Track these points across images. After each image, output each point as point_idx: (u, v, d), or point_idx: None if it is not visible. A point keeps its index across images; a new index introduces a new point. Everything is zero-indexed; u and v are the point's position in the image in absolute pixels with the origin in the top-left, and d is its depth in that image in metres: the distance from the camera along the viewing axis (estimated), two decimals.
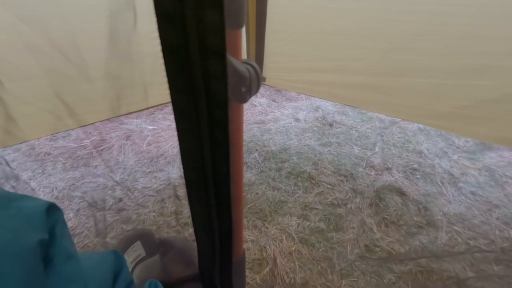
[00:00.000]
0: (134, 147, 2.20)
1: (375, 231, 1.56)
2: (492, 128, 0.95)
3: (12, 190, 1.67)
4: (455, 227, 1.58)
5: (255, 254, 1.44)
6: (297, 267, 1.38)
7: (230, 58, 0.45)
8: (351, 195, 1.79)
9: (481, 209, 1.69)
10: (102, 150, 2.15)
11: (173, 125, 0.28)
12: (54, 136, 2.23)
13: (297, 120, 2.62)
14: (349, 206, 1.71)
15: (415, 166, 2.02)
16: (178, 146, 0.27)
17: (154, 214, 1.65)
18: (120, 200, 1.74)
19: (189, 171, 0.29)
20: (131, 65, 0.86)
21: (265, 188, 1.84)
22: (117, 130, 2.35)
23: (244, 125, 2.50)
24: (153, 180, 1.90)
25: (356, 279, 1.33)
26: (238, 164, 0.57)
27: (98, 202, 1.70)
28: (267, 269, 1.36)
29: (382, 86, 1.22)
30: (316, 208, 1.70)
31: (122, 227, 1.57)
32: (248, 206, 1.71)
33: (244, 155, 2.12)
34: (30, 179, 1.87)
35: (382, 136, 2.36)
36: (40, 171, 1.95)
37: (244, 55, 1.59)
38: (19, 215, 0.24)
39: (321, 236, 1.54)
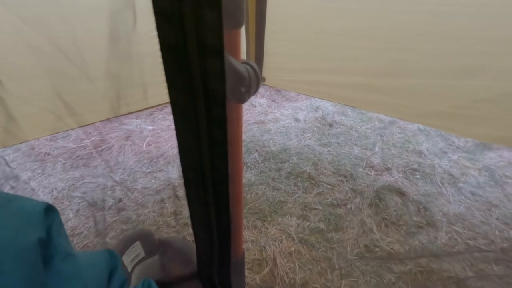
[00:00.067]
0: (134, 147, 2.20)
1: (375, 231, 1.56)
2: (490, 127, 0.95)
3: (11, 191, 1.68)
4: (455, 227, 1.58)
5: (255, 254, 1.44)
6: (297, 267, 1.38)
7: (230, 58, 0.45)
8: (351, 195, 1.79)
9: (481, 209, 1.69)
10: (102, 150, 2.16)
11: (173, 125, 0.28)
12: (54, 136, 2.23)
13: (297, 120, 2.62)
14: (349, 206, 1.71)
15: (415, 166, 2.02)
16: (177, 145, 0.27)
17: (153, 214, 1.65)
18: (120, 200, 1.74)
19: (188, 170, 0.29)
20: (131, 65, 0.86)
21: (265, 189, 1.84)
22: (117, 130, 2.36)
23: (244, 125, 2.50)
24: (153, 181, 1.90)
25: (356, 280, 1.33)
26: (237, 163, 0.57)
27: (98, 203, 1.70)
28: (267, 269, 1.36)
29: (381, 87, 1.22)
30: (316, 209, 1.70)
31: (121, 227, 1.57)
32: (248, 206, 1.71)
33: (244, 156, 2.13)
34: (30, 180, 1.87)
35: (382, 136, 2.36)
36: (40, 171, 1.95)
37: (244, 55, 1.60)
38: (19, 214, 0.25)
39: (321, 236, 1.54)
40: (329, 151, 2.20)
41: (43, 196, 1.75)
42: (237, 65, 0.44)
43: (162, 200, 1.75)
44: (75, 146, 2.18)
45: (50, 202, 1.68)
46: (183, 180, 0.30)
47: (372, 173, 1.97)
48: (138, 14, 0.76)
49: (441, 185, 1.86)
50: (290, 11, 1.33)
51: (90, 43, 0.93)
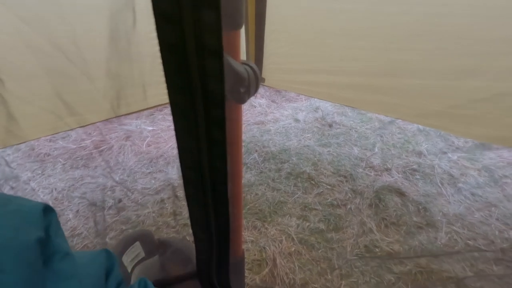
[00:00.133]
0: (133, 147, 2.20)
1: (375, 231, 1.56)
2: (488, 127, 0.95)
3: (11, 191, 1.68)
4: (455, 228, 1.58)
5: (255, 254, 1.44)
6: (297, 267, 1.38)
7: (229, 59, 0.45)
8: (350, 195, 1.79)
9: (481, 209, 1.69)
10: (102, 151, 2.16)
11: (173, 125, 0.28)
12: (53, 136, 2.24)
13: (296, 120, 2.62)
14: (348, 206, 1.72)
15: (414, 166, 2.02)
16: (176, 146, 0.27)
17: (153, 215, 1.66)
18: (120, 200, 1.74)
19: (187, 170, 0.29)
20: (131, 65, 0.86)
21: (265, 189, 1.84)
22: (116, 131, 2.36)
23: (244, 125, 2.50)
24: (153, 181, 1.90)
25: (355, 280, 1.33)
26: (237, 164, 0.57)
27: (98, 203, 1.70)
28: (266, 269, 1.36)
29: (381, 87, 1.22)
30: (315, 209, 1.70)
31: (121, 227, 1.57)
32: (248, 206, 1.71)
33: (244, 156, 2.13)
34: (30, 180, 1.88)
35: (381, 136, 2.36)
36: (40, 171, 1.95)
37: (243, 56, 1.60)
38: (18, 214, 0.25)
39: (321, 236, 1.54)
40: (329, 151, 2.20)
41: (43, 196, 1.75)
42: (236, 66, 0.44)
43: (162, 200, 1.75)
44: (75, 146, 2.18)
45: (50, 202, 1.69)
46: (182, 180, 0.30)
47: (372, 174, 1.97)
48: (138, 14, 0.76)
49: (440, 185, 1.86)
50: (290, 11, 1.33)
51: (90, 43, 0.93)
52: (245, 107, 2.78)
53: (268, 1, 1.31)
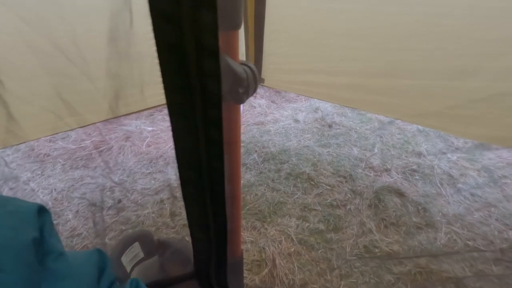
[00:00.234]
0: (133, 148, 2.20)
1: (374, 232, 1.56)
2: (486, 128, 0.95)
3: (11, 191, 1.68)
4: (454, 228, 1.58)
5: (254, 255, 1.44)
6: (296, 268, 1.38)
7: (228, 59, 0.45)
8: (350, 196, 1.79)
9: (480, 210, 1.69)
10: (101, 151, 2.16)
11: None
12: (53, 137, 2.24)
13: (296, 121, 2.62)
14: (348, 207, 1.72)
15: (414, 167, 2.02)
16: (173, 145, 0.27)
17: (153, 215, 1.65)
18: (119, 201, 1.74)
19: (184, 169, 0.30)
20: (131, 66, 0.86)
21: (264, 189, 1.84)
22: (116, 131, 2.36)
23: (244, 126, 2.50)
24: (152, 181, 1.90)
25: (355, 280, 1.33)
26: (235, 164, 0.58)
27: (97, 203, 1.70)
28: (266, 270, 1.36)
29: (380, 87, 1.23)
30: (315, 209, 1.70)
31: (121, 228, 1.57)
32: (247, 207, 1.71)
33: (244, 156, 2.13)
34: (30, 180, 1.88)
35: (381, 137, 2.37)
36: (40, 172, 1.95)
37: (242, 57, 1.60)
38: (16, 214, 0.25)
39: (320, 237, 1.54)
40: (328, 152, 2.20)
41: (43, 197, 1.75)
42: (235, 66, 0.45)
43: (162, 201, 1.75)
44: (74, 147, 2.18)
45: (50, 203, 1.69)
46: (179, 180, 0.30)
47: (372, 174, 1.97)
48: (137, 14, 0.76)
49: (440, 186, 1.87)
50: (289, 12, 1.33)
51: (90, 43, 0.93)
52: (245, 107, 2.78)
53: (267, 2, 1.32)
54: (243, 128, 2.47)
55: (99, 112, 1.06)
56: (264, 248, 1.46)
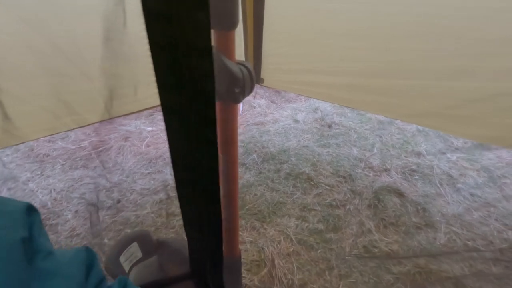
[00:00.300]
0: (132, 148, 2.20)
1: (374, 232, 1.56)
2: (483, 127, 0.95)
3: (10, 192, 1.68)
4: (454, 228, 1.57)
5: (253, 255, 1.44)
6: (295, 268, 1.38)
7: (224, 59, 0.45)
8: (349, 196, 1.79)
9: (480, 210, 1.69)
10: (101, 151, 2.16)
11: None
12: (53, 137, 2.24)
13: (296, 121, 2.62)
14: (347, 207, 1.71)
15: (413, 167, 2.02)
16: (168, 145, 0.27)
17: (152, 215, 1.66)
18: (119, 201, 1.74)
19: (179, 169, 0.30)
20: (130, 65, 0.86)
21: (264, 189, 1.84)
22: (115, 131, 2.36)
23: (243, 126, 2.50)
24: (152, 182, 1.90)
25: (354, 280, 1.33)
26: (232, 163, 0.57)
27: (97, 204, 1.70)
28: (265, 270, 1.36)
29: (379, 87, 1.23)
30: (314, 209, 1.70)
31: (120, 228, 1.57)
32: (247, 207, 1.71)
33: (243, 156, 2.13)
34: (29, 181, 1.88)
35: (381, 137, 2.36)
36: (39, 172, 1.95)
37: (242, 57, 1.60)
38: (4, 213, 0.25)
39: (320, 237, 1.54)
40: (328, 152, 2.20)
41: (42, 197, 1.75)
42: (231, 66, 0.45)
43: (161, 201, 1.75)
44: (74, 147, 2.18)
45: (49, 203, 1.69)
46: (174, 180, 0.30)
47: (371, 174, 1.97)
48: (130, 13, 0.76)
49: (439, 186, 1.86)
50: (289, 12, 1.33)
51: (88, 43, 0.93)
52: (244, 107, 2.78)
53: (266, 2, 1.32)
54: (242, 128, 2.47)
55: (97, 112, 1.06)
56: (263, 248, 1.46)
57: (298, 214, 1.67)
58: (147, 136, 2.34)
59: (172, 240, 0.89)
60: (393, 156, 2.14)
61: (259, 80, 1.70)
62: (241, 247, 1.48)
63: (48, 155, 2.11)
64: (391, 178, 1.93)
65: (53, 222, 1.60)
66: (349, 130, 2.47)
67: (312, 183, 1.89)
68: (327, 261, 1.41)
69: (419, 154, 2.16)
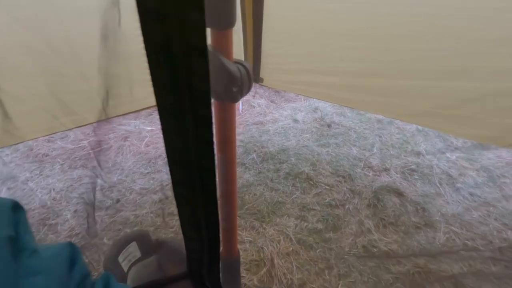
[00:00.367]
0: (132, 148, 2.20)
1: (373, 232, 1.56)
2: (482, 127, 0.95)
3: (10, 191, 1.67)
4: (453, 228, 1.57)
5: (253, 255, 1.43)
6: (295, 268, 1.38)
7: (221, 58, 0.45)
8: (349, 196, 1.79)
9: (479, 209, 1.69)
10: (100, 151, 2.16)
11: None
12: (52, 137, 2.23)
13: (295, 121, 2.62)
14: (347, 207, 1.71)
15: (413, 167, 2.02)
16: (164, 145, 0.27)
17: (151, 215, 1.65)
18: (118, 201, 1.74)
19: (175, 169, 0.29)
20: (125, 65, 0.86)
21: (263, 189, 1.84)
22: (115, 131, 2.36)
23: (243, 126, 2.50)
24: (151, 181, 1.90)
25: (353, 280, 1.33)
26: (231, 163, 0.57)
27: (96, 203, 1.70)
28: (264, 270, 1.36)
29: (379, 87, 1.23)
30: (314, 209, 1.70)
31: (119, 228, 1.57)
32: (246, 207, 1.71)
33: (242, 156, 2.13)
34: (28, 180, 1.88)
35: (380, 137, 2.36)
36: (38, 172, 1.95)
37: (241, 56, 1.60)
38: None
39: (319, 237, 1.54)
40: (327, 151, 2.20)
41: (41, 196, 1.75)
42: (229, 65, 0.44)
43: (160, 200, 1.75)
44: (73, 147, 2.18)
45: (48, 203, 1.69)
46: (171, 180, 0.30)
47: (371, 174, 1.97)
48: (125, 12, 0.76)
49: (439, 185, 1.86)
50: (289, 12, 1.33)
51: (85, 42, 0.93)
52: (244, 107, 2.78)
53: (266, 1, 1.31)
54: (242, 128, 2.47)
55: (96, 112, 1.06)
56: (262, 248, 1.46)
57: (298, 213, 1.67)
58: (146, 135, 2.34)
59: (171, 240, 0.89)
60: (393, 156, 2.14)
61: (259, 80, 1.70)
62: (240, 246, 1.48)
63: (47, 155, 2.10)
64: (391, 177, 1.93)
65: (52, 222, 1.60)
66: (349, 129, 2.47)
67: (312, 183, 1.89)
68: (326, 260, 1.41)
69: (418, 154, 2.16)
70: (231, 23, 0.41)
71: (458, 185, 1.86)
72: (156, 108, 0.27)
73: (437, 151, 2.18)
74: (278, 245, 1.48)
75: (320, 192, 1.82)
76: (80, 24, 0.86)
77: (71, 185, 1.85)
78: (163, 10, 0.22)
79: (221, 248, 0.72)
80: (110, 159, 2.08)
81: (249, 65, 0.47)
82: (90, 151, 2.13)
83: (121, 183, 1.87)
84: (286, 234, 1.54)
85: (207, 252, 0.35)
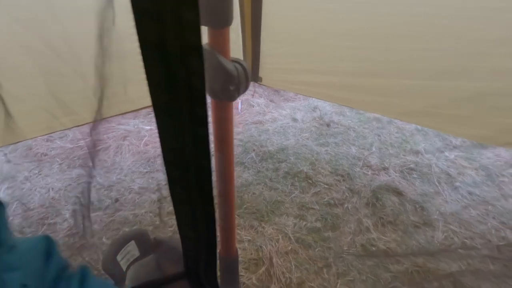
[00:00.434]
0: (131, 147, 2.20)
1: (372, 230, 1.56)
2: (476, 126, 0.96)
3: (8, 191, 1.67)
4: (452, 227, 1.58)
5: (252, 254, 1.44)
6: (293, 267, 1.38)
7: (219, 56, 0.45)
8: (348, 195, 1.79)
9: (478, 208, 1.69)
10: (99, 150, 2.15)
11: None
12: (51, 136, 2.23)
13: (294, 120, 2.62)
14: (346, 206, 1.72)
15: (412, 166, 2.02)
16: (159, 144, 0.27)
17: (151, 214, 1.65)
18: (117, 200, 1.74)
19: (171, 168, 0.29)
20: (120, 64, 0.86)
21: (262, 188, 1.84)
22: (114, 130, 2.35)
23: (242, 125, 2.50)
24: (150, 181, 1.90)
25: (352, 279, 1.33)
26: (228, 162, 0.57)
27: (95, 203, 1.70)
28: (263, 268, 1.36)
29: (378, 87, 1.23)
30: (313, 208, 1.70)
31: (118, 227, 1.57)
32: (245, 206, 1.71)
33: (241, 155, 2.12)
34: (27, 180, 1.87)
35: (379, 136, 2.36)
36: (37, 171, 1.95)
37: (241, 56, 1.59)
38: None
39: (318, 236, 1.54)
40: (326, 151, 2.20)
41: (40, 196, 1.75)
42: (225, 63, 0.44)
43: (159, 200, 1.75)
44: (72, 146, 2.18)
45: (47, 202, 1.68)
46: (166, 179, 0.30)
47: (369, 173, 1.97)
48: (119, 11, 0.76)
49: (438, 184, 1.87)
50: (289, 12, 1.32)
51: (85, 43, 0.93)
52: (243, 106, 2.78)
53: (265, 1, 1.31)
54: (241, 127, 2.46)
55: (94, 112, 1.06)
56: (261, 247, 1.46)
57: (296, 212, 1.68)
58: (145, 135, 2.34)
59: (169, 239, 0.89)
60: (392, 155, 2.14)
61: (257, 79, 1.70)
62: (239, 245, 1.48)
63: (46, 154, 2.10)
64: (390, 176, 1.93)
65: (51, 221, 1.60)
66: (348, 129, 2.47)
67: (311, 182, 1.89)
68: (325, 259, 1.41)
69: (417, 153, 2.16)
70: (227, 21, 0.41)
71: (457, 184, 1.87)
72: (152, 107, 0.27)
73: (436, 150, 2.18)
74: (277, 244, 1.48)
75: (319, 191, 1.83)
76: (80, 24, 0.86)
77: (70, 185, 1.85)
78: (157, 9, 0.22)
79: (219, 248, 0.72)
80: (109, 159, 2.08)
81: (247, 64, 0.47)
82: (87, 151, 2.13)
83: (120, 183, 1.87)
84: (285, 233, 1.55)
85: (204, 252, 0.35)
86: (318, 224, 1.60)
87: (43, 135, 2.01)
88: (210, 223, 0.33)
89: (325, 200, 1.76)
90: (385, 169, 2.00)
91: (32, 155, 2.08)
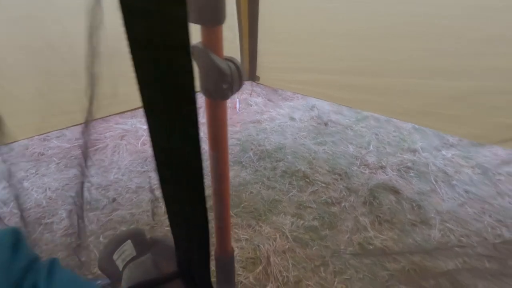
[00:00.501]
0: (128, 146, 2.19)
1: (369, 229, 1.57)
2: (478, 126, 0.96)
3: (4, 191, 1.66)
4: (448, 225, 1.58)
5: (249, 252, 1.44)
6: (291, 265, 1.38)
7: (211, 55, 0.45)
8: (345, 193, 1.80)
9: (474, 207, 1.70)
10: (96, 150, 2.15)
11: None
12: (48, 136, 2.22)
13: (292, 119, 2.62)
14: (343, 204, 1.72)
15: (409, 164, 2.03)
16: (150, 143, 0.27)
17: (148, 213, 1.65)
18: (114, 200, 1.73)
19: (162, 167, 0.29)
20: (110, 63, 0.86)
21: (260, 187, 1.84)
22: (111, 130, 2.35)
23: (240, 124, 2.50)
24: (148, 180, 1.89)
25: (349, 277, 1.34)
26: (223, 161, 0.57)
27: (92, 202, 1.70)
28: (260, 267, 1.36)
29: (377, 86, 1.23)
30: (310, 207, 1.71)
31: (115, 226, 1.57)
32: (242, 205, 1.71)
33: (239, 154, 2.12)
34: (24, 179, 1.87)
35: (377, 135, 2.37)
36: (34, 171, 1.94)
37: (238, 55, 1.59)
38: None
39: (315, 234, 1.54)
40: (324, 149, 2.20)
41: (37, 196, 1.74)
42: (218, 62, 0.44)
43: (157, 199, 1.74)
44: (69, 145, 2.17)
45: (44, 202, 1.68)
46: (158, 178, 0.30)
47: (367, 172, 1.97)
48: (108, 9, 0.76)
49: (435, 183, 1.87)
50: (288, 11, 1.32)
51: (80, 42, 0.93)
52: (241, 105, 2.78)
53: (264, 1, 1.31)
54: (239, 126, 2.46)
55: (84, 111, 1.06)
56: (258, 246, 1.46)
57: (294, 211, 1.68)
58: (143, 134, 2.34)
59: (165, 238, 0.89)
60: (389, 154, 2.15)
61: (255, 78, 1.70)
62: (236, 244, 1.48)
63: (43, 154, 2.09)
64: (387, 175, 1.94)
65: (48, 220, 1.59)
66: (346, 128, 2.48)
67: (308, 181, 1.90)
68: (322, 258, 1.42)
69: (414, 152, 2.17)
70: (220, 19, 0.41)
71: (454, 182, 1.87)
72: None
73: (433, 149, 2.19)
74: (274, 242, 1.49)
75: (317, 190, 1.83)
76: (80, 23, 0.86)
77: (67, 184, 1.84)
78: (145, 7, 0.22)
79: (214, 247, 0.72)
80: (106, 158, 2.07)
81: (240, 62, 0.47)
82: (89, 150, 2.12)
83: (118, 182, 1.87)
84: (282, 232, 1.55)
85: (197, 251, 0.35)
86: (316, 223, 1.60)
87: (40, 135, 2.01)
88: (203, 223, 0.33)
89: (323, 198, 1.76)
90: (382, 167, 2.00)
91: (29, 155, 2.07)
